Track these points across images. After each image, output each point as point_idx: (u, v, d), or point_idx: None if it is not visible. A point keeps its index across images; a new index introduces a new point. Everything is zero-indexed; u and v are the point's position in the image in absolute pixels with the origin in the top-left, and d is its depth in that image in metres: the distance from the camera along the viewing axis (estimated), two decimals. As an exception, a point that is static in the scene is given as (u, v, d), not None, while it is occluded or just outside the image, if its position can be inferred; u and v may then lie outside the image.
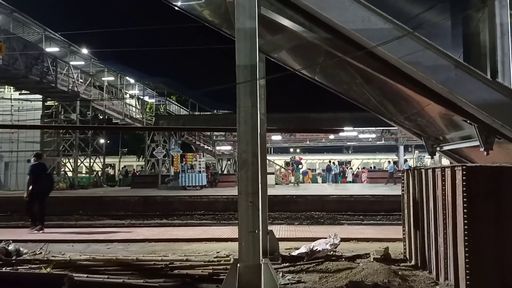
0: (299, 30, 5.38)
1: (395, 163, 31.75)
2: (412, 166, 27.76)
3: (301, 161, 33.67)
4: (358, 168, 37.62)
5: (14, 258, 6.98)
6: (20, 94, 27.54)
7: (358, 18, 4.75)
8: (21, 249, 7.29)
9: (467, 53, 5.15)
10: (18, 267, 6.44)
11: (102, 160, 30.47)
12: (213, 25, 7.51)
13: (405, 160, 32.31)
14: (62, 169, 28.34)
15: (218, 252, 7.55)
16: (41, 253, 7.32)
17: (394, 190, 18.83)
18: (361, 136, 33.57)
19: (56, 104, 27.98)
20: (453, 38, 5.17)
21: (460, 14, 5.02)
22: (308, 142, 37.90)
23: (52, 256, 7.04)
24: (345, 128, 26.70)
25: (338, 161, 34.50)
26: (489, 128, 5.11)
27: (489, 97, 4.80)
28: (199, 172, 24.86)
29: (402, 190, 7.15)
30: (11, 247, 7.17)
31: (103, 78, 31.04)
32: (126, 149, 39.50)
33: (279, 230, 10.24)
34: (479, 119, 5.05)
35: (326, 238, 7.33)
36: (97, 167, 30.53)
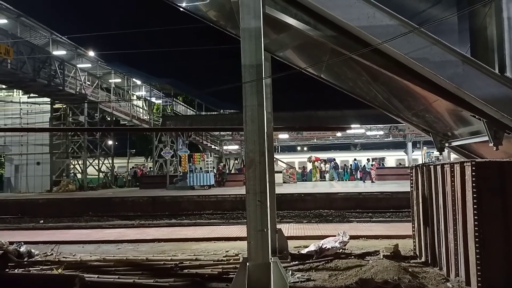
0: (304, 29, 5.38)
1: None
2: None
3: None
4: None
5: (25, 259, 7.06)
6: (28, 97, 27.85)
7: (363, 15, 4.74)
8: (33, 250, 7.38)
9: (475, 48, 5.11)
10: (30, 269, 6.53)
11: (110, 161, 30.66)
12: (217, 25, 7.52)
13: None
14: (72, 171, 28.55)
15: (227, 251, 7.58)
16: (52, 254, 7.41)
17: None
18: (368, 133, 33.41)
19: (64, 106, 28.21)
20: (460, 33, 5.13)
21: (467, 9, 4.97)
22: (315, 140, 37.83)
23: (63, 257, 7.13)
24: (352, 126, 26.58)
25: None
26: (498, 123, 5.07)
27: (497, 92, 4.77)
28: (207, 171, 24.99)
29: (411, 187, 7.11)
30: (22, 248, 7.26)
31: (110, 80, 31.24)
32: (134, 150, 39.69)
33: (288, 229, 10.26)
34: (487, 114, 5.01)
35: (335, 236, 7.32)
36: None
